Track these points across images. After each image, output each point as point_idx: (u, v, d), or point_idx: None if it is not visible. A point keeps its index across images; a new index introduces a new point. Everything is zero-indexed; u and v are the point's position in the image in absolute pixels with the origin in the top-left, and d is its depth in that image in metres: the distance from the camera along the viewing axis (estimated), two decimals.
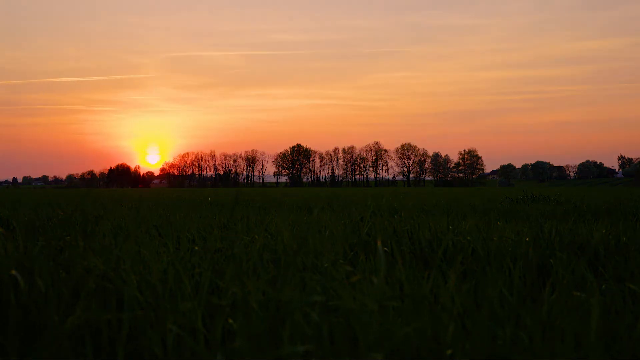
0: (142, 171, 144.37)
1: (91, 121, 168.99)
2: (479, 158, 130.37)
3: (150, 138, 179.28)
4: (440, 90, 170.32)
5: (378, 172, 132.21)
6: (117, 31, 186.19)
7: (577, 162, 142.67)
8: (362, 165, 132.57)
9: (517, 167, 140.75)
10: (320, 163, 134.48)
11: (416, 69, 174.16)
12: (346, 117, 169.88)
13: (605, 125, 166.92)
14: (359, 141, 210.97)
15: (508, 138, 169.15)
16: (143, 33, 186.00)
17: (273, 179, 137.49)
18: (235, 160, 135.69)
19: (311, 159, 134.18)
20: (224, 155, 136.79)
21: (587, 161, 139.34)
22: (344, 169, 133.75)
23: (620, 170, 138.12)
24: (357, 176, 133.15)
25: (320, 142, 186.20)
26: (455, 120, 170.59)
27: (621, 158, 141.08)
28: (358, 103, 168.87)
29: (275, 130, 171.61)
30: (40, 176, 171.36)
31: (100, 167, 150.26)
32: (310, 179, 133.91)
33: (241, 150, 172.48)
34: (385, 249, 2.96)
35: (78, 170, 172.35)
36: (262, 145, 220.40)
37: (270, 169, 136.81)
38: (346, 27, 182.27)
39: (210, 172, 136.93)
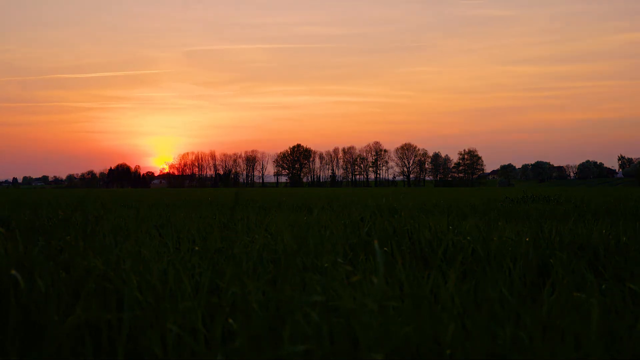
0: (143, 171, 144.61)
1: (101, 118, 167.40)
2: (479, 158, 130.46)
3: (157, 137, 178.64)
4: (448, 88, 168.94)
5: (378, 172, 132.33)
6: (131, 24, 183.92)
7: (577, 162, 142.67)
8: (362, 166, 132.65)
9: (517, 167, 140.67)
10: (320, 163, 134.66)
11: (439, 64, 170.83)
12: (350, 116, 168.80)
13: (605, 125, 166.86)
14: (360, 141, 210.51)
15: (508, 138, 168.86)
16: (158, 26, 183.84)
17: (273, 179, 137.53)
18: (235, 160, 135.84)
19: (311, 159, 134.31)
20: (224, 155, 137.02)
21: (587, 161, 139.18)
22: (344, 169, 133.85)
23: (620, 170, 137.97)
24: (357, 176, 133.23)
25: (320, 142, 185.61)
26: (457, 120, 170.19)
27: (621, 158, 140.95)
28: (366, 100, 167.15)
29: (276, 129, 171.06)
30: (40, 176, 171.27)
31: (106, 166, 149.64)
32: (310, 179, 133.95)
33: (241, 150, 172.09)
34: (385, 249, 2.96)
35: (82, 169, 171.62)
36: (262, 145, 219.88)
37: (270, 169, 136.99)
38: (370, 20, 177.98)
39: (210, 172, 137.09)
